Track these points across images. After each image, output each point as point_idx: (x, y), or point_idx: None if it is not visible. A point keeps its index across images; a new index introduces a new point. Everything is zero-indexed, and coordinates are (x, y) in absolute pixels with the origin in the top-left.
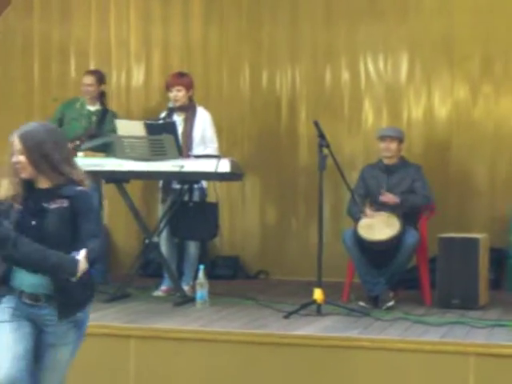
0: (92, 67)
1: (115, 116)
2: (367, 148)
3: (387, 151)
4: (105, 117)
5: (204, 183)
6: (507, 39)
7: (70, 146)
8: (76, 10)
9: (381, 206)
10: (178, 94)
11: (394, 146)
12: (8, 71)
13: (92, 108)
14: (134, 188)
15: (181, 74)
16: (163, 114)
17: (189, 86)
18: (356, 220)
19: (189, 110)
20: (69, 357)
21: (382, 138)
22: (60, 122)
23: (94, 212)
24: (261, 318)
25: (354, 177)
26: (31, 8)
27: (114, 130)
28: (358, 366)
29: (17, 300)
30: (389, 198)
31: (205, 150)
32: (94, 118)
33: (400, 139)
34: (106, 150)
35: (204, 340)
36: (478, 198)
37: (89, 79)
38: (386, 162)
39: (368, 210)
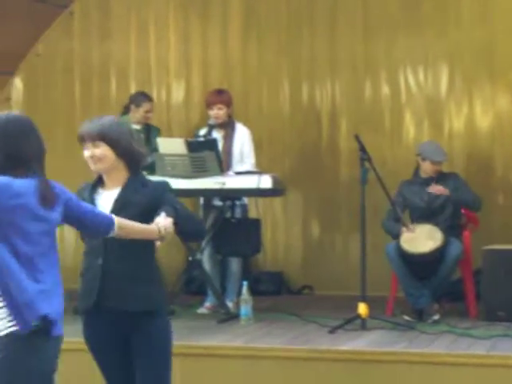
0: (132, 87)
1: (159, 131)
2: (409, 161)
3: (435, 173)
4: (150, 133)
5: (246, 199)
6: None
7: None
8: (115, 30)
9: (422, 220)
10: (219, 112)
11: (441, 167)
12: (49, 93)
13: (137, 126)
14: None
15: (220, 92)
16: (203, 131)
17: (229, 104)
18: (394, 235)
19: (228, 126)
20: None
21: (434, 162)
22: None
23: None
24: (305, 334)
25: (395, 190)
26: (71, 29)
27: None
28: (405, 381)
29: None
30: (438, 188)
31: (242, 166)
32: (142, 137)
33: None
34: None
35: (249, 356)
36: None
37: (150, 105)
38: (424, 175)
39: (410, 225)
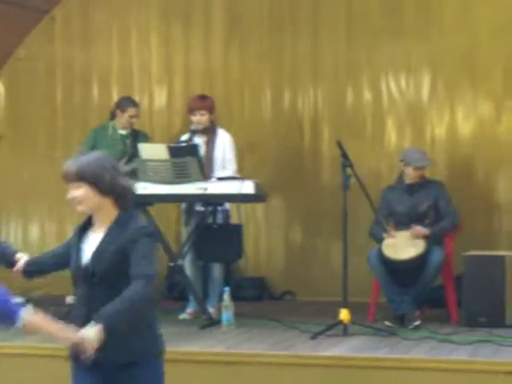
0: (114, 92)
1: (147, 136)
2: (391, 167)
3: (418, 178)
4: (137, 139)
5: (227, 205)
6: None
7: None
8: (97, 35)
9: (405, 226)
10: (202, 118)
11: (424, 172)
12: (31, 97)
13: (123, 132)
14: (158, 211)
15: (203, 98)
16: (184, 137)
17: (211, 109)
18: (379, 241)
19: (210, 132)
20: None
21: (417, 168)
22: (93, 150)
23: None
24: (287, 340)
25: (378, 196)
26: (53, 34)
27: None
28: None
29: None
30: (418, 232)
31: (224, 172)
32: (128, 142)
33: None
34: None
35: (231, 362)
36: (504, 215)
37: (135, 110)
38: (408, 181)
39: (392, 231)
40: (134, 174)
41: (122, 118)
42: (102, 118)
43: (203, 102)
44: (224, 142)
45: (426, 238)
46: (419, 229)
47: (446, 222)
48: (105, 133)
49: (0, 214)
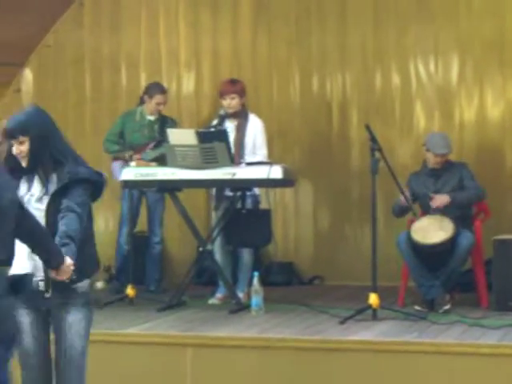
0: (143, 77)
1: (175, 122)
2: (419, 151)
3: (438, 164)
4: (165, 124)
5: (257, 190)
6: None
7: (136, 155)
8: (126, 21)
9: (432, 211)
10: (232, 102)
11: (445, 159)
12: (59, 84)
13: (151, 117)
14: (187, 196)
15: (233, 82)
16: (215, 122)
17: (242, 93)
18: (403, 213)
19: (241, 116)
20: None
21: (436, 154)
22: (120, 135)
23: None
24: (317, 324)
25: (406, 180)
26: (81, 20)
27: None
28: (416, 371)
29: None
30: (439, 200)
31: (254, 158)
32: (156, 127)
33: (450, 153)
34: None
35: (260, 347)
36: None
37: (163, 97)
38: (430, 166)
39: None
40: (161, 159)
41: (150, 104)
42: (130, 104)
43: (233, 85)
44: (255, 128)
45: (454, 220)
46: (440, 197)
47: (469, 191)
48: (133, 118)
49: None
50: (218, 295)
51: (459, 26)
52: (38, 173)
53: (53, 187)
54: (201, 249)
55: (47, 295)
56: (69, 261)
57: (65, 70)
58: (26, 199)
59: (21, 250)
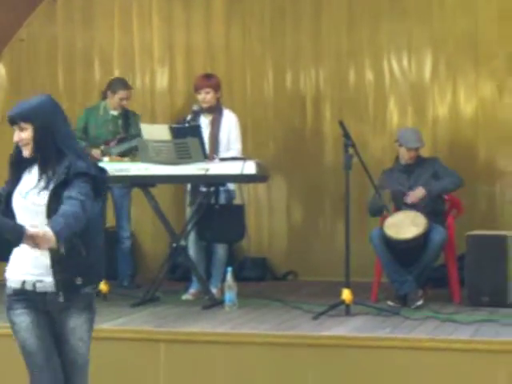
0: (116, 73)
1: (138, 117)
2: (393, 147)
3: (411, 159)
4: (128, 119)
5: (231, 186)
6: None
7: (99, 151)
8: (99, 16)
9: (405, 206)
10: (207, 97)
11: (417, 153)
12: (33, 78)
13: (115, 112)
14: (161, 192)
15: (208, 76)
16: (189, 117)
17: (217, 88)
18: (378, 212)
19: (216, 111)
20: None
21: (408, 149)
22: (84, 130)
23: None
24: (290, 320)
25: (379, 176)
26: (54, 15)
27: (140, 132)
28: (389, 366)
29: None
30: (415, 195)
31: (228, 152)
32: (120, 122)
33: (422, 147)
34: (130, 153)
35: (234, 342)
36: (506, 195)
37: (126, 93)
38: (403, 162)
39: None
40: (127, 154)
41: (113, 100)
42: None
43: (208, 80)
44: (230, 122)
45: (427, 216)
46: (415, 192)
47: (445, 180)
48: (96, 113)
49: None
50: (192, 291)
51: (432, 23)
52: (39, 165)
53: (53, 181)
54: (174, 244)
55: (60, 299)
56: (44, 230)
57: (38, 64)
58: (24, 192)
59: (25, 255)
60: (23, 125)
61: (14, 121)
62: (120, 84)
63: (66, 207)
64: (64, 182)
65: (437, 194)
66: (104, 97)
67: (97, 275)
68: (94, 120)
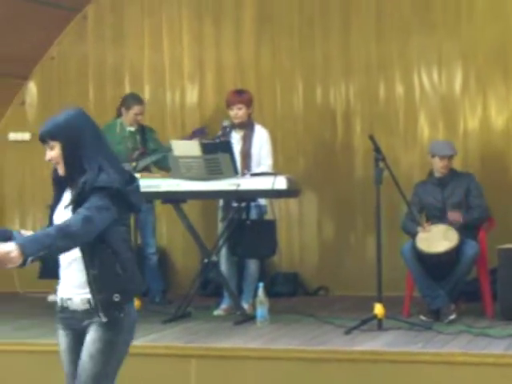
0: (146, 89)
1: (154, 132)
2: (424, 161)
3: (446, 169)
4: (145, 134)
5: (262, 201)
6: None
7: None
8: (129, 33)
9: (437, 220)
10: (239, 112)
11: (450, 163)
12: (63, 96)
13: (132, 128)
14: (192, 207)
15: (240, 92)
16: (220, 133)
17: (249, 104)
18: (412, 235)
19: (247, 127)
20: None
21: (442, 157)
22: None
23: None
24: (322, 335)
25: (410, 190)
26: (85, 33)
27: (158, 146)
28: (421, 381)
29: None
30: (455, 216)
31: (259, 168)
32: (138, 138)
33: (455, 155)
34: (159, 165)
35: (265, 358)
36: None
37: (140, 108)
38: (438, 175)
39: (426, 224)
40: (149, 169)
41: (128, 116)
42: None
43: (240, 96)
44: (261, 138)
45: (458, 229)
46: (456, 214)
47: (475, 212)
48: (113, 131)
49: (35, 214)
50: (223, 306)
51: (462, 36)
52: (68, 182)
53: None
54: (206, 260)
55: (103, 319)
56: (6, 248)
57: (68, 82)
58: (61, 211)
59: (64, 272)
60: (51, 143)
61: (42, 139)
62: (133, 99)
63: (58, 224)
64: (83, 199)
65: (469, 225)
66: (118, 114)
67: (135, 289)
68: (111, 138)
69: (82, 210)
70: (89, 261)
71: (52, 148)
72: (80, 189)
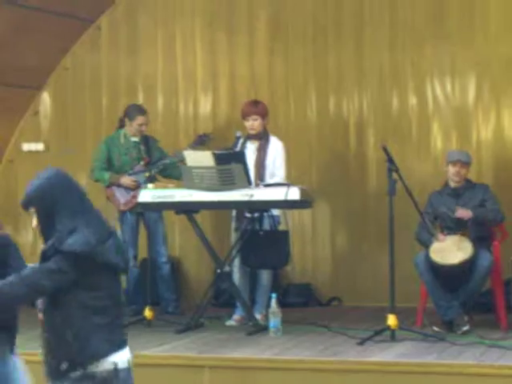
0: (160, 100)
1: (157, 142)
2: (437, 172)
3: (457, 176)
4: (149, 144)
5: (275, 211)
6: None
7: (131, 179)
8: (142, 43)
9: (451, 231)
10: (255, 123)
11: (464, 170)
12: (77, 106)
13: (135, 139)
14: (205, 217)
15: (256, 103)
16: (239, 143)
17: (264, 115)
18: (426, 245)
19: (262, 138)
20: None
21: (454, 163)
22: (108, 161)
23: None
24: (335, 346)
25: (424, 201)
26: (99, 43)
27: (162, 154)
28: None
29: None
30: (463, 213)
31: (272, 179)
32: (142, 148)
33: (470, 164)
34: (165, 174)
35: (278, 369)
36: None
37: (144, 118)
38: (453, 185)
39: (440, 235)
40: (154, 179)
41: (131, 127)
42: (147, 126)
43: (256, 107)
44: (276, 150)
45: (473, 241)
46: (464, 211)
47: (489, 212)
48: (117, 142)
49: None
50: (236, 317)
51: (475, 46)
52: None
53: None
54: (219, 270)
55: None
56: None
57: (82, 92)
58: None
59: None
60: (31, 210)
61: (23, 208)
62: (137, 110)
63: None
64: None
65: (478, 220)
66: (121, 125)
67: (89, 357)
68: (116, 149)
69: (27, 271)
70: (44, 322)
71: (33, 215)
72: (46, 250)
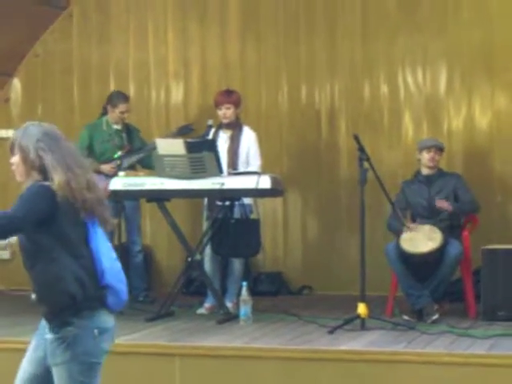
0: (131, 88)
1: (138, 131)
2: (408, 160)
3: (432, 161)
4: (130, 132)
5: (247, 200)
6: None
7: (111, 166)
8: (114, 31)
9: (424, 219)
10: (227, 112)
11: (437, 156)
12: (48, 93)
13: (117, 126)
14: (176, 206)
15: (229, 92)
16: (212, 132)
17: (237, 104)
18: (397, 234)
19: (235, 127)
20: (65, 381)
21: (429, 149)
22: (89, 148)
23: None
24: (305, 334)
25: (395, 190)
26: (70, 31)
27: (143, 144)
28: (404, 381)
29: None
30: (444, 204)
31: (248, 168)
32: (124, 135)
33: (443, 150)
34: (144, 164)
35: (248, 357)
36: None
37: (126, 106)
38: (425, 172)
39: (410, 224)
40: (132, 168)
41: (114, 114)
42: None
43: (229, 96)
44: (249, 139)
45: (443, 228)
46: (445, 202)
47: (467, 206)
48: (100, 129)
49: None
50: (206, 305)
51: (447, 36)
52: None
53: None
54: (189, 259)
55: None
56: None
57: (53, 79)
58: None
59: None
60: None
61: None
62: (120, 97)
63: None
64: None
65: (459, 213)
66: (104, 112)
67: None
68: (98, 136)
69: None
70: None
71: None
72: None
